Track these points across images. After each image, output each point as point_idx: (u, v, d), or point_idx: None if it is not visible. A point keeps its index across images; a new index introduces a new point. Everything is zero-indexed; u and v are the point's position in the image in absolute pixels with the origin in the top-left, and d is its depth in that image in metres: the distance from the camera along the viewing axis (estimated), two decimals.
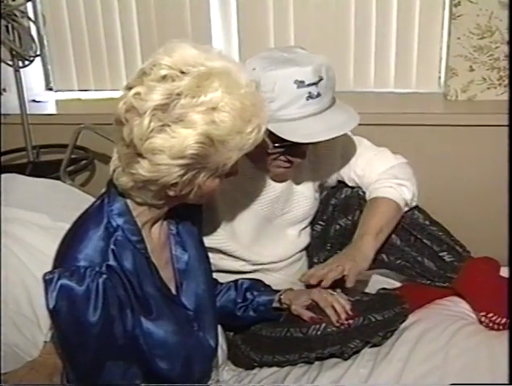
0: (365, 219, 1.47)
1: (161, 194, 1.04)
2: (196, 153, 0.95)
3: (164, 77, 0.95)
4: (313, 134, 1.28)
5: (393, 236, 1.51)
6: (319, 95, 1.29)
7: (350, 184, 1.57)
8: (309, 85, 1.27)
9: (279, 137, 1.28)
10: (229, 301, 1.42)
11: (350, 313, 1.32)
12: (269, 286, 1.44)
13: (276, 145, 1.31)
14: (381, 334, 1.36)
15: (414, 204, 1.52)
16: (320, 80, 1.29)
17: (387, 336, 1.37)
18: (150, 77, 0.96)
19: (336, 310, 1.32)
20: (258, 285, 1.44)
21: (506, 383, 1.14)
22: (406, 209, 1.50)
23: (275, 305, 1.40)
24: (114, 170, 1.05)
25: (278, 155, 1.36)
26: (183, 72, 0.95)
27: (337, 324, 1.31)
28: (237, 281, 1.45)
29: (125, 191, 1.06)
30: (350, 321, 1.31)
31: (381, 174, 1.51)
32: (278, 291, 1.42)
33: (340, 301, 1.34)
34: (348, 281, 1.33)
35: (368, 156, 1.54)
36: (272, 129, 1.23)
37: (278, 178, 1.47)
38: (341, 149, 1.55)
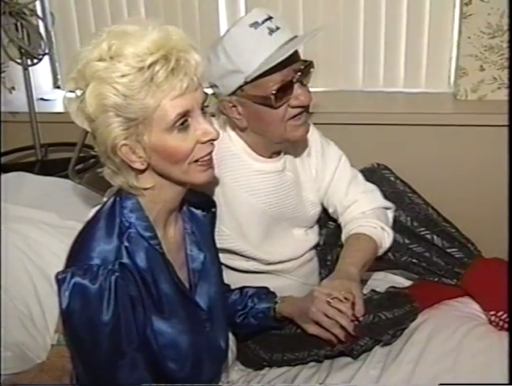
0: (350, 250, 1.45)
1: (131, 170, 1.05)
2: (108, 103, 0.98)
3: (79, 54, 1.02)
4: (288, 48, 1.28)
5: (396, 235, 1.51)
6: (278, 28, 1.30)
7: (328, 210, 1.58)
8: (263, 22, 1.30)
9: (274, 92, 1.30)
10: (231, 309, 1.41)
11: (355, 317, 1.29)
12: (273, 293, 1.42)
13: (274, 92, 1.30)
14: (391, 333, 1.34)
15: (385, 251, 1.51)
16: (270, 16, 1.31)
17: (397, 335, 1.36)
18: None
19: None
20: (260, 293, 1.42)
21: (507, 383, 1.13)
22: (379, 254, 1.50)
23: (272, 314, 1.39)
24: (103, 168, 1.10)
25: (284, 110, 1.34)
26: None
27: (345, 340, 1.29)
28: (243, 288, 1.44)
29: (112, 181, 1.09)
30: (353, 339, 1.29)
31: (366, 213, 1.51)
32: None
33: (342, 317, 1.28)
34: (359, 312, 1.30)
35: (358, 190, 1.54)
36: (261, 71, 1.27)
37: (302, 138, 1.45)
38: (335, 169, 1.56)
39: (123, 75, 0.97)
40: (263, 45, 1.29)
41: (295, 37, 1.34)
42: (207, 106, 1.08)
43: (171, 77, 0.99)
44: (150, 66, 0.97)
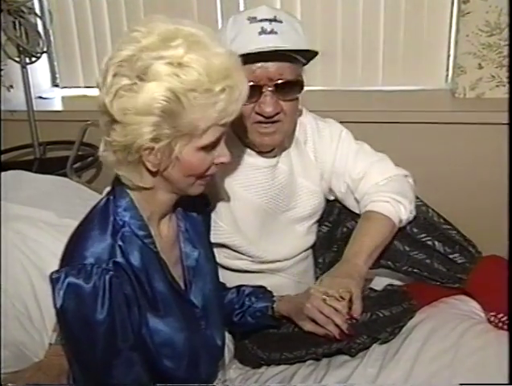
0: (359, 234, 1.43)
1: (141, 168, 1.04)
2: (162, 107, 0.95)
3: (133, 38, 0.98)
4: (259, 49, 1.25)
5: (396, 242, 1.48)
6: (273, 32, 1.27)
7: (340, 190, 1.53)
8: (261, 20, 1.27)
9: None
10: (228, 307, 1.41)
11: (351, 316, 1.28)
12: (270, 292, 1.42)
13: None
14: (389, 330, 1.34)
15: (408, 221, 1.47)
16: (276, 20, 1.28)
17: (395, 332, 1.35)
18: (121, 42, 1.00)
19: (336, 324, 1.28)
20: (257, 292, 1.42)
21: (506, 383, 1.13)
22: (400, 226, 1.46)
23: (270, 313, 1.38)
24: (104, 150, 1.06)
25: (249, 111, 1.32)
26: (151, 33, 0.98)
27: (340, 337, 1.28)
28: (240, 287, 1.44)
29: (110, 168, 1.07)
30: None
31: (379, 185, 1.47)
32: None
33: (337, 315, 1.27)
34: (355, 311, 1.28)
35: (367, 162, 1.50)
36: None
37: (264, 148, 1.42)
38: (336, 146, 1.52)
39: (192, 90, 0.96)
40: (244, 41, 1.27)
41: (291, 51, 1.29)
42: None
43: (229, 107, 1.00)
44: (217, 92, 0.98)
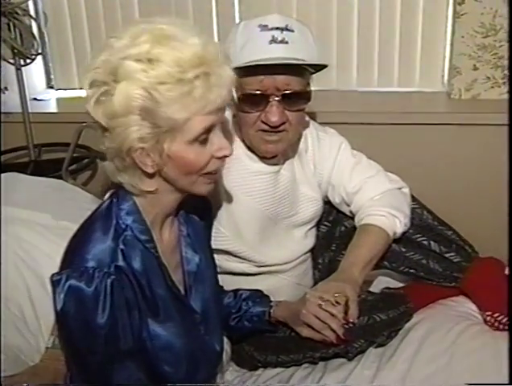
0: (355, 246, 1.44)
1: (139, 172, 1.04)
2: (139, 105, 0.95)
3: (107, 45, 1.00)
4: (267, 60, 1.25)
5: (392, 243, 1.49)
6: (284, 41, 1.27)
7: (335, 201, 1.55)
8: (272, 29, 1.27)
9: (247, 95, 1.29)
10: (225, 311, 1.40)
11: (347, 320, 1.28)
12: (267, 297, 1.42)
13: (242, 94, 1.30)
14: (386, 334, 1.34)
15: (401, 234, 1.49)
16: (287, 28, 1.28)
17: (392, 335, 1.36)
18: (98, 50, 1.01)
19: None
20: (255, 296, 1.42)
21: (506, 383, 1.13)
22: (395, 238, 1.48)
23: (267, 318, 1.38)
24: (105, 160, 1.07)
25: (255, 119, 1.33)
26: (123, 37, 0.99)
27: (337, 342, 1.29)
28: (237, 291, 1.44)
29: (113, 178, 1.07)
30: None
31: (375, 199, 1.48)
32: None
33: (333, 321, 1.27)
34: (352, 316, 1.29)
35: (362, 176, 1.52)
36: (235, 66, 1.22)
37: (268, 154, 1.42)
38: (335, 158, 1.53)
39: (161, 83, 0.95)
40: (253, 49, 1.27)
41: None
42: None
43: (209, 93, 0.98)
44: (190, 79, 0.96)
